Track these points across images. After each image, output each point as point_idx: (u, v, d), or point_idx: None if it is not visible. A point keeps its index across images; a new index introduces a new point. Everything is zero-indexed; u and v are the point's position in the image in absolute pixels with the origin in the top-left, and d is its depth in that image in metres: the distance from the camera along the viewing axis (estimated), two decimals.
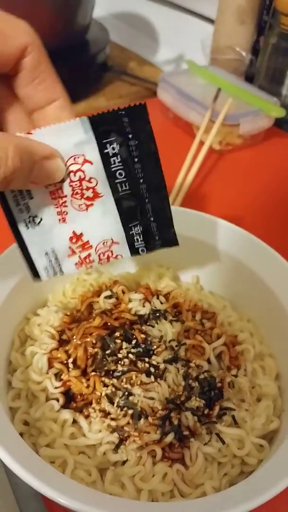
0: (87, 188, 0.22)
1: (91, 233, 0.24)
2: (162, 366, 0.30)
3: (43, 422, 0.29)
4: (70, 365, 0.31)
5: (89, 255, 0.25)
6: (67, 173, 0.22)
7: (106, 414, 0.29)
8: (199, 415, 0.29)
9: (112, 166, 0.22)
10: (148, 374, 0.30)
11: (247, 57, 0.75)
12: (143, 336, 0.32)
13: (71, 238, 0.24)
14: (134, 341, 0.32)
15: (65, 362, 0.31)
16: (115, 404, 0.29)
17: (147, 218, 0.24)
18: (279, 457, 0.25)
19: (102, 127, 0.21)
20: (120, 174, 0.22)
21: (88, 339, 0.31)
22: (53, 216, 0.23)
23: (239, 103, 0.63)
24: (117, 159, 0.22)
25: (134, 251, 0.26)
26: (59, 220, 0.23)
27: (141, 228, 0.24)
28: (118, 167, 0.22)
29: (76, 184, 0.22)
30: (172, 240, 0.26)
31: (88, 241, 0.24)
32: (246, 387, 0.31)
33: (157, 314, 0.34)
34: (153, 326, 0.33)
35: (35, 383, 0.31)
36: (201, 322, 0.34)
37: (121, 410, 0.28)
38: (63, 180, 0.22)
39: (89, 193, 0.23)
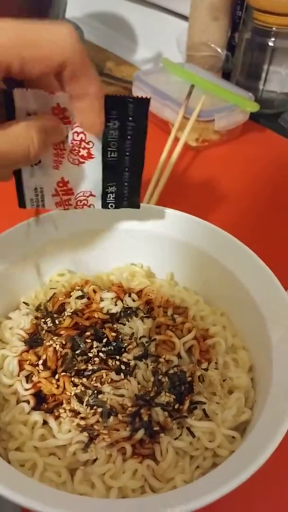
0: (84, 148, 0.27)
1: (75, 183, 0.29)
2: (132, 363, 0.30)
3: (13, 425, 0.29)
4: (40, 367, 0.31)
5: (69, 199, 0.30)
6: (73, 133, 0.26)
7: (76, 413, 0.28)
8: (169, 410, 0.29)
9: (109, 137, 0.27)
10: (118, 371, 0.30)
11: (223, 53, 0.75)
12: (114, 334, 0.32)
13: (58, 183, 0.29)
14: (105, 340, 0.32)
15: (36, 364, 0.31)
16: (85, 403, 0.28)
17: (122, 183, 0.30)
18: (246, 445, 0.25)
19: (111, 106, 0.25)
20: (113, 144, 0.27)
21: (58, 340, 0.31)
22: (50, 161, 0.28)
23: (214, 99, 0.63)
24: (115, 132, 0.27)
25: (104, 205, 0.31)
26: (54, 166, 0.28)
27: (115, 188, 0.30)
28: (113, 139, 0.27)
29: (76, 143, 0.27)
30: (136, 204, 0.32)
31: (71, 188, 0.29)
32: (217, 380, 0.31)
33: (128, 311, 0.34)
34: (124, 324, 0.33)
35: (6, 386, 0.31)
36: (172, 317, 0.34)
37: (91, 408, 0.28)
38: (67, 137, 0.26)
39: (84, 152, 0.27)
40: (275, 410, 0.27)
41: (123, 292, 0.36)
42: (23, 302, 0.36)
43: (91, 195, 0.30)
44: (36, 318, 0.34)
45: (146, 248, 0.40)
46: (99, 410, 0.28)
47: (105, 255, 0.40)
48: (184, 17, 0.81)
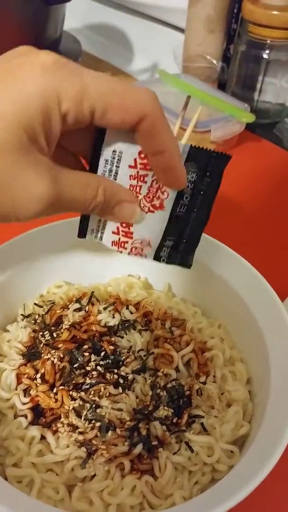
0: (158, 198, 0.26)
1: (138, 229, 0.28)
2: (130, 376, 0.30)
3: (11, 441, 0.28)
4: (38, 380, 0.31)
5: (126, 242, 0.29)
6: (152, 180, 0.26)
7: (74, 428, 0.28)
8: (168, 424, 0.29)
9: (184, 190, 0.26)
10: (116, 385, 0.30)
11: (218, 64, 0.76)
12: (111, 347, 0.32)
13: (122, 222, 0.28)
14: (102, 353, 0.32)
15: (34, 377, 0.31)
16: (83, 418, 0.28)
17: (181, 239, 0.28)
18: (245, 461, 0.25)
19: (195, 157, 0.25)
20: (186, 197, 0.26)
21: (56, 354, 0.31)
22: None
23: (210, 110, 0.64)
24: (190, 185, 0.26)
25: (156, 257, 0.29)
26: None
27: (172, 243, 0.28)
28: (188, 192, 0.26)
29: (153, 190, 0.26)
30: (188, 264, 0.30)
31: (132, 232, 0.28)
32: (215, 393, 0.31)
33: (126, 324, 0.34)
34: (122, 337, 0.33)
35: (4, 400, 0.30)
36: (170, 330, 0.34)
37: (89, 423, 0.28)
38: (146, 182, 0.26)
39: (157, 202, 0.26)
40: (273, 424, 0.26)
41: (121, 304, 0.36)
42: (21, 314, 0.36)
43: (148, 245, 0.29)
44: (34, 331, 0.34)
45: (143, 259, 0.40)
46: (97, 424, 0.28)
47: (102, 266, 0.40)
48: (180, 30, 0.82)
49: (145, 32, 0.93)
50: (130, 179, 0.26)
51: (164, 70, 0.73)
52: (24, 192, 0.21)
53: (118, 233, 0.28)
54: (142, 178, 0.26)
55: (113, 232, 0.28)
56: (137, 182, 0.26)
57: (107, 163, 0.25)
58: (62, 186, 0.22)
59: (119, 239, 0.29)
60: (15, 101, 0.20)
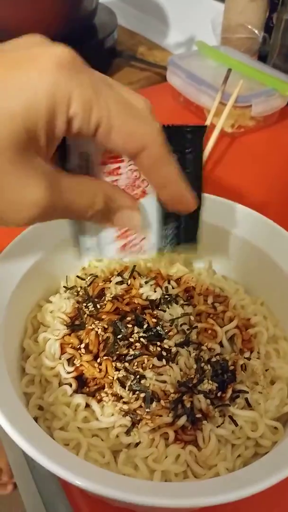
0: (138, 187, 0.26)
1: None
2: (173, 349, 0.30)
3: (57, 406, 0.29)
4: (82, 350, 0.31)
5: (125, 244, 0.28)
6: (127, 170, 0.25)
7: (118, 398, 0.29)
8: (211, 398, 0.29)
9: None
10: (160, 357, 0.30)
11: (260, 35, 0.73)
12: (154, 320, 0.32)
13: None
14: (145, 326, 0.32)
15: (78, 347, 0.32)
16: (127, 388, 0.29)
17: (179, 221, 0.27)
18: None
19: (168, 137, 0.23)
20: None
21: (100, 324, 0.32)
22: None
23: (252, 83, 0.61)
24: None
25: (160, 249, 0.29)
26: None
27: (171, 230, 0.28)
28: None
29: (130, 182, 0.26)
30: (193, 240, 0.29)
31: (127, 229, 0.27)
32: (259, 369, 0.30)
33: (168, 298, 0.34)
34: (164, 311, 0.33)
35: (48, 368, 0.31)
36: (213, 305, 0.34)
37: (133, 393, 0.28)
38: (121, 175, 0.25)
39: (138, 191, 0.26)
40: None
41: (162, 279, 0.36)
42: (63, 286, 0.37)
43: (145, 238, 0.28)
44: (77, 302, 0.35)
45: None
46: (142, 395, 0.28)
47: None
48: None
49: (181, 2, 0.90)
50: (105, 176, 0.25)
51: (204, 41, 0.70)
52: (17, 196, 0.20)
53: (116, 240, 0.27)
54: (115, 172, 0.25)
55: (111, 243, 0.27)
56: (112, 177, 0.25)
57: (78, 169, 0.24)
58: (60, 194, 0.21)
59: (120, 243, 0.28)
60: (20, 96, 0.18)
